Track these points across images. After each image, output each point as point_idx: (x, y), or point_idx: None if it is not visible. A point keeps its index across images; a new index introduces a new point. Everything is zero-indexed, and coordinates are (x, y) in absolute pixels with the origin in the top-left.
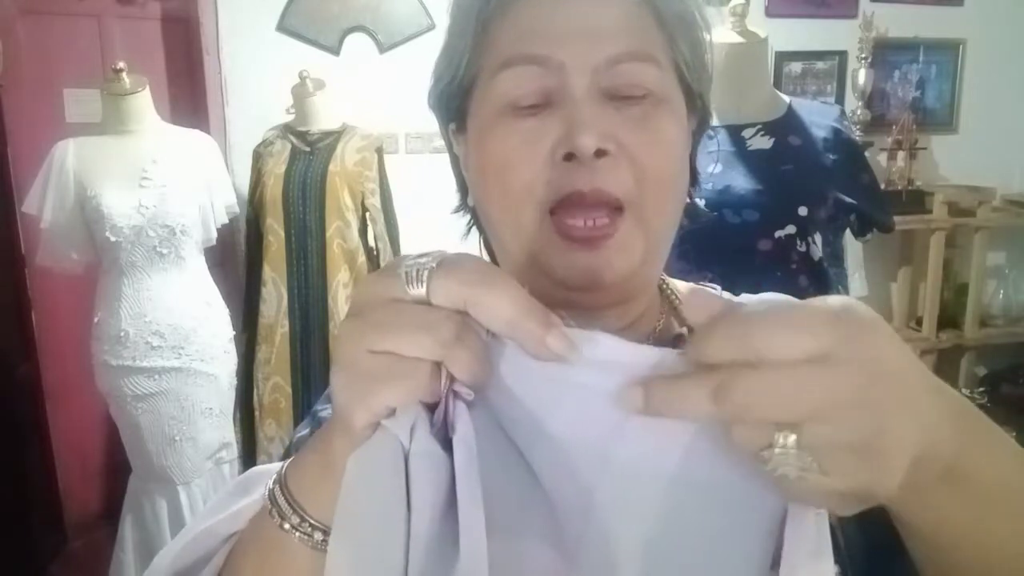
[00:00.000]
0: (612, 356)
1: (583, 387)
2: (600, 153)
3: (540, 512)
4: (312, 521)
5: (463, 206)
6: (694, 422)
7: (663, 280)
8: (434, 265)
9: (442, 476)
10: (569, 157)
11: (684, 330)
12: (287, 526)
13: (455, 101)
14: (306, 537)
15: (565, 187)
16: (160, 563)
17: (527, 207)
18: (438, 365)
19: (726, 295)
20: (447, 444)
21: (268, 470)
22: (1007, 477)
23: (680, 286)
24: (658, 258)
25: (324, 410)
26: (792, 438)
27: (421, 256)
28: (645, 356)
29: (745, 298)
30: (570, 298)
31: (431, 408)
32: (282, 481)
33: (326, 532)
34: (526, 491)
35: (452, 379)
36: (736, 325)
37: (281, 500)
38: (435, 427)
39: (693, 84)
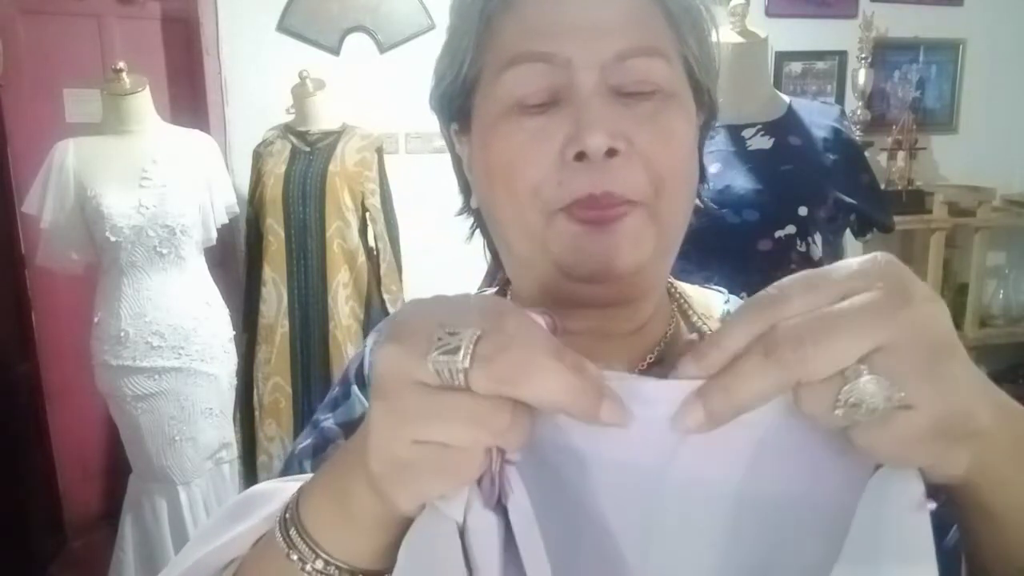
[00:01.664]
0: (658, 395)
1: (633, 417)
2: (611, 152)
3: (595, 552)
4: (339, 564)
5: (466, 208)
6: (758, 405)
7: (671, 283)
8: (467, 365)
9: (499, 544)
10: (580, 157)
11: (695, 336)
12: (310, 568)
13: (458, 101)
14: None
15: (576, 190)
16: None
17: (535, 209)
18: (489, 450)
19: (732, 298)
20: (497, 504)
21: (263, 492)
22: None
23: (688, 289)
24: (669, 256)
25: (327, 420)
26: (863, 368)
27: (444, 345)
28: (688, 389)
29: (739, 302)
30: (580, 294)
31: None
32: (298, 522)
33: (353, 572)
34: (579, 533)
35: (502, 452)
36: (760, 298)
37: (300, 544)
38: (484, 494)
39: (702, 79)
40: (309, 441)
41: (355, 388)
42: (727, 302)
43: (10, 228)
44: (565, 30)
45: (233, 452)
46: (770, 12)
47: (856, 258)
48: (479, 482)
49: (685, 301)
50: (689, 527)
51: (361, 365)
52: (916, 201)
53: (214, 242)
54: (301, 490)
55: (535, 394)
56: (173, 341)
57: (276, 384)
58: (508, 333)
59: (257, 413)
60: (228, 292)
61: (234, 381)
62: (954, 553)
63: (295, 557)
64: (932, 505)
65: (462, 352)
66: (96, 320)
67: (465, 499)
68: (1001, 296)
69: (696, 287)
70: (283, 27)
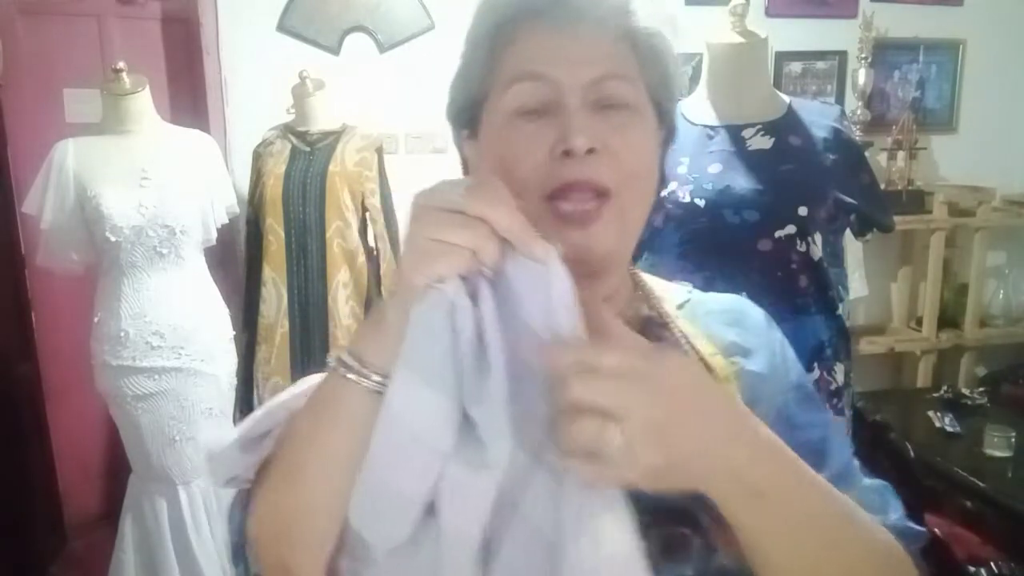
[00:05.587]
0: (559, 271)
1: (553, 257)
2: (590, 151)
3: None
4: (373, 368)
5: None
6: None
7: (636, 275)
8: (464, 193)
9: (472, 320)
10: (566, 154)
11: (653, 314)
12: (351, 375)
13: (468, 113)
14: (365, 381)
15: (563, 177)
16: (234, 432)
17: (530, 194)
18: (473, 252)
19: (696, 292)
20: (474, 301)
21: (317, 377)
22: (816, 509)
23: (650, 280)
24: (630, 241)
25: None
26: (618, 430)
27: (455, 187)
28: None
29: (701, 294)
30: None
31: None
32: (349, 349)
33: (384, 375)
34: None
35: (480, 264)
36: (582, 350)
37: (347, 358)
38: (467, 287)
39: (661, 100)
40: None
41: None
42: (690, 292)
43: (10, 228)
44: (556, 59)
45: None
46: (770, 12)
47: (640, 349)
48: (464, 281)
49: (646, 289)
50: (528, 368)
51: None
52: (916, 201)
53: (214, 242)
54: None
55: (501, 219)
56: (173, 341)
57: (276, 384)
58: (491, 186)
59: None
60: (228, 292)
61: (234, 381)
62: (807, 447)
63: (342, 371)
64: None
65: (463, 188)
66: (96, 320)
67: (456, 286)
68: (1001, 296)
69: (661, 281)
70: (283, 27)
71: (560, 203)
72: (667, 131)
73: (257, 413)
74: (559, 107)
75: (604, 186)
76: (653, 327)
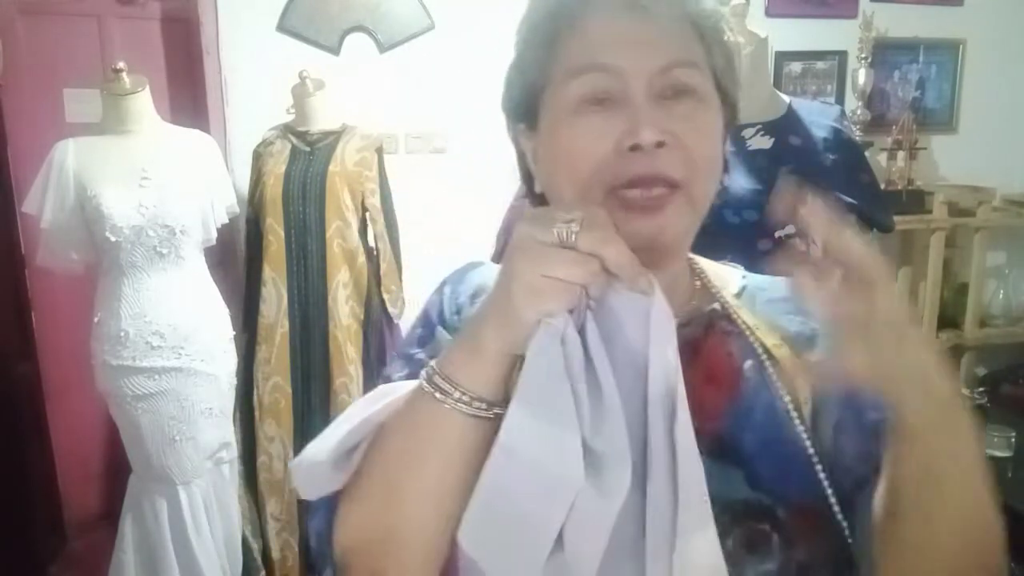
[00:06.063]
0: (661, 302)
1: (655, 288)
2: (660, 144)
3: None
4: (471, 394)
5: (530, 194)
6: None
7: (692, 259)
8: (578, 229)
9: (582, 349)
10: (634, 148)
11: (716, 306)
12: (449, 400)
13: (525, 105)
14: (463, 406)
15: (631, 171)
16: (322, 447)
17: (596, 188)
18: (583, 287)
19: (749, 276)
20: (578, 332)
21: (392, 387)
22: (972, 435)
23: (706, 265)
24: (695, 227)
25: (418, 353)
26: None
27: (565, 220)
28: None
29: (756, 278)
30: None
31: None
32: (439, 371)
33: (481, 400)
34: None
35: (587, 296)
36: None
37: (441, 383)
38: (574, 320)
39: (726, 86)
40: (406, 371)
41: (439, 329)
42: (744, 276)
43: (10, 228)
44: (620, 46)
45: (233, 452)
46: (770, 12)
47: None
48: (571, 313)
49: (704, 277)
50: (637, 396)
51: (442, 311)
52: (916, 201)
53: (214, 242)
54: (441, 355)
55: (613, 254)
56: (173, 341)
57: (276, 384)
58: (601, 221)
59: (257, 413)
60: (228, 292)
61: (234, 381)
62: (872, 429)
63: (438, 395)
64: None
65: (576, 223)
66: (96, 320)
67: (565, 319)
68: (1001, 296)
69: (714, 263)
70: (283, 27)
71: (626, 192)
72: (729, 117)
73: (343, 428)
74: (624, 97)
75: (674, 179)
76: (718, 319)
